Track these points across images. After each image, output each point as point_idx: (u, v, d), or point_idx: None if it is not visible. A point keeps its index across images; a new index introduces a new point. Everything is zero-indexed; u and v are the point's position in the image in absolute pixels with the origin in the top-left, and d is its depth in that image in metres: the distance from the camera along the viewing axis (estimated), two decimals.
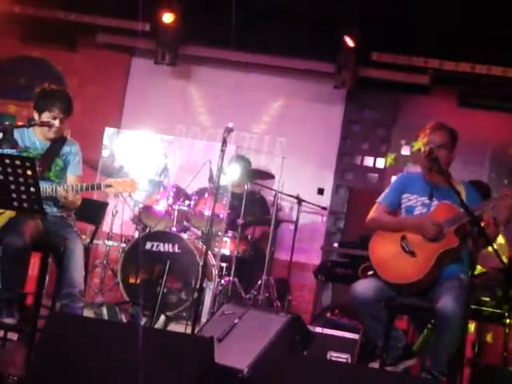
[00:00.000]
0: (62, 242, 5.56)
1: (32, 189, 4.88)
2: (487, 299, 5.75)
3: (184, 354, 4.00)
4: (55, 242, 5.56)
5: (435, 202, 5.22)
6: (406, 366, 5.09)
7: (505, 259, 6.35)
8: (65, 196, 5.46)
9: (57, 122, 5.60)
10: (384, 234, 5.27)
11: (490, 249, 4.81)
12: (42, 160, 5.65)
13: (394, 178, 5.66)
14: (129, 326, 5.50)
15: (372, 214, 5.36)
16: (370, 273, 5.34)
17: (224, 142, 5.54)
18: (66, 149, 5.77)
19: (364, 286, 5.10)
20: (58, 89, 5.77)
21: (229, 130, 5.61)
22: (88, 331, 4.12)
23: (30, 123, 5.53)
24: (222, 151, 5.51)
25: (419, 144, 8.64)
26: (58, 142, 5.75)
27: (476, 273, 6.11)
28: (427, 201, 5.24)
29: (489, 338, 6.80)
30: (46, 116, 5.59)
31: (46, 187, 5.49)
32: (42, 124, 5.56)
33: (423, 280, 5.03)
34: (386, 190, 5.47)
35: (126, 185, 5.57)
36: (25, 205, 4.93)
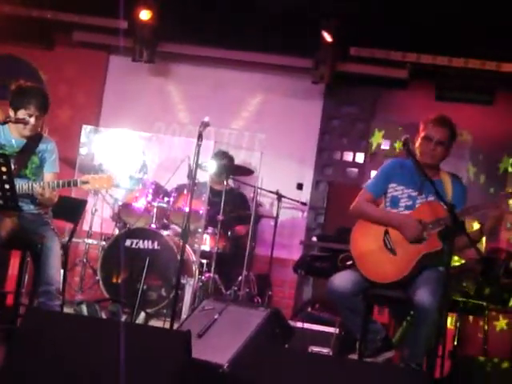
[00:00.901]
0: (39, 239, 5.55)
1: (7, 186, 4.87)
2: (465, 290, 5.78)
3: (161, 348, 4.00)
4: (32, 239, 5.56)
5: (422, 196, 5.16)
6: (385, 358, 5.08)
7: (482, 248, 6.41)
8: (41, 193, 5.44)
9: (32, 120, 5.58)
10: (367, 226, 5.22)
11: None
12: (18, 157, 5.63)
13: (384, 163, 5.57)
14: (106, 322, 5.50)
15: (357, 200, 5.28)
16: (349, 263, 5.31)
17: (200, 137, 5.54)
18: (42, 146, 5.75)
19: (342, 280, 5.07)
20: (33, 86, 5.75)
21: (205, 125, 5.60)
22: (64, 327, 4.11)
23: (5, 120, 5.51)
24: (198, 146, 5.49)
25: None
26: (33, 140, 5.73)
27: (454, 264, 6.15)
28: (414, 193, 5.19)
29: (469, 329, 6.84)
30: (21, 113, 5.57)
31: (22, 184, 5.47)
32: (17, 121, 5.54)
33: (401, 281, 5.02)
34: (374, 177, 5.43)
35: (103, 181, 5.55)
36: (0, 202, 4.91)
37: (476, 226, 6.42)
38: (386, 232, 5.14)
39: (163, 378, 3.92)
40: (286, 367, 4.04)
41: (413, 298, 4.85)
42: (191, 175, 7.72)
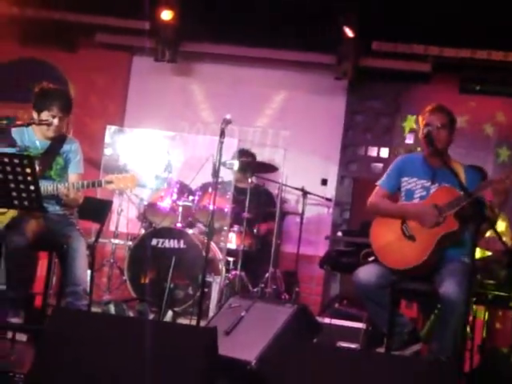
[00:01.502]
0: (64, 240, 5.57)
1: (31, 187, 4.88)
2: (492, 282, 5.74)
3: (187, 346, 4.01)
4: (58, 240, 5.58)
5: (435, 185, 5.19)
6: (413, 351, 5.07)
7: (508, 241, 6.36)
8: (66, 194, 5.47)
9: (56, 121, 5.61)
10: (384, 219, 5.25)
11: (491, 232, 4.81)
12: (43, 159, 5.67)
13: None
14: (131, 320, 5.52)
15: (372, 198, 5.35)
16: (371, 258, 5.32)
17: (222, 134, 5.54)
18: (66, 147, 5.78)
19: (366, 272, 5.08)
20: (56, 88, 5.78)
21: (226, 122, 5.60)
22: (90, 325, 4.13)
23: (28, 122, 5.55)
24: (221, 143, 5.50)
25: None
26: (57, 141, 5.76)
27: (479, 256, 6.11)
28: (427, 184, 5.22)
29: (498, 322, 6.79)
30: (44, 115, 5.60)
31: (47, 186, 5.50)
32: (41, 123, 5.57)
33: (423, 265, 5.02)
34: (386, 173, 5.45)
35: (127, 180, 5.57)
36: (25, 203, 4.93)
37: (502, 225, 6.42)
38: (404, 221, 5.17)
39: (190, 375, 3.93)
40: (313, 363, 4.02)
41: (438, 291, 4.83)
42: (215, 173, 7.79)
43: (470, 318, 6.15)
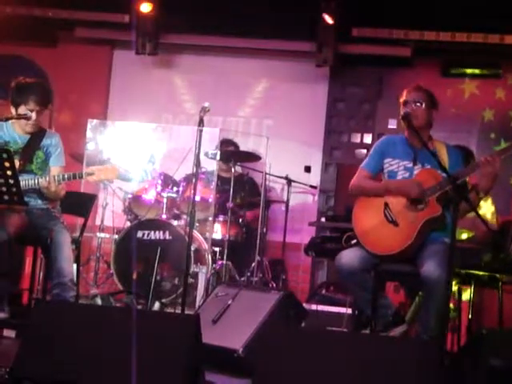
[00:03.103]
0: (48, 234, 5.57)
1: (11, 181, 4.89)
2: (477, 263, 5.76)
3: (171, 332, 4.01)
4: (41, 234, 5.58)
5: (418, 166, 5.20)
6: (397, 332, 5.08)
7: (494, 222, 6.38)
8: (47, 187, 5.46)
9: (34, 115, 5.60)
10: (366, 203, 5.25)
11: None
12: (23, 153, 5.66)
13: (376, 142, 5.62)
14: (114, 309, 5.51)
15: (355, 179, 5.34)
16: (354, 241, 5.33)
17: (201, 122, 5.52)
18: (46, 141, 5.78)
19: (349, 256, 5.08)
20: (32, 81, 5.75)
21: (205, 110, 5.58)
22: (73, 316, 4.13)
23: (6, 117, 5.53)
24: (200, 131, 5.49)
25: None
26: (37, 135, 5.76)
27: (465, 237, 6.14)
28: (409, 165, 5.22)
29: (485, 303, 6.82)
30: (22, 109, 5.60)
31: (28, 179, 5.51)
32: (19, 117, 5.56)
33: (406, 250, 5.02)
34: (368, 155, 5.47)
35: (108, 171, 5.56)
36: (5, 197, 4.94)
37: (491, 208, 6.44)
38: (386, 205, 5.16)
39: (174, 363, 3.93)
40: (299, 347, 4.03)
41: (420, 271, 4.85)
42: (199, 164, 7.79)
43: (456, 299, 6.20)
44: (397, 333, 5.07)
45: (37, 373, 3.99)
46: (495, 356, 4.03)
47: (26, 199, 5.43)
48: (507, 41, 8.32)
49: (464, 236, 6.25)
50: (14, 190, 4.94)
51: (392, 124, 9.21)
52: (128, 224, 7.92)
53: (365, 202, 5.27)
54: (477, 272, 5.80)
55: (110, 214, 8.27)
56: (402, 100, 5.28)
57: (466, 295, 6.27)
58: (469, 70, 9.01)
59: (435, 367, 3.81)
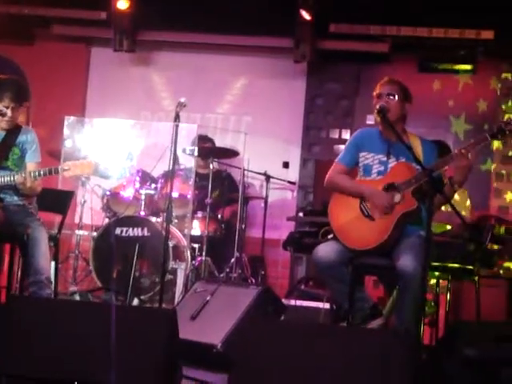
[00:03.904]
0: (24, 230, 5.55)
1: None
2: (453, 256, 5.79)
3: (147, 327, 4.01)
4: (18, 230, 5.55)
5: (392, 159, 5.21)
6: (374, 325, 5.10)
7: (467, 214, 6.43)
8: (23, 182, 5.45)
9: (9, 112, 5.59)
10: (343, 197, 5.25)
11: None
12: None
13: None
14: (90, 304, 5.52)
15: (330, 174, 5.34)
16: (330, 236, 5.34)
17: (177, 117, 5.52)
18: (22, 137, 5.77)
19: (326, 250, 5.08)
20: (6, 78, 5.74)
21: (181, 105, 5.60)
22: (46, 311, 4.13)
23: None
24: (176, 126, 5.49)
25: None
26: (13, 132, 5.74)
27: (441, 230, 6.17)
28: (384, 158, 5.23)
29: (463, 296, 6.86)
30: None
31: (3, 176, 5.50)
32: None
33: (383, 244, 5.03)
34: (344, 148, 5.47)
35: (84, 166, 5.56)
36: None
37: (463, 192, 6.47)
38: (362, 200, 5.17)
39: (150, 357, 3.93)
40: (279, 339, 4.05)
41: (396, 265, 4.86)
42: (177, 160, 7.78)
43: (434, 292, 6.24)
44: (374, 326, 5.08)
45: (14, 369, 3.98)
46: (469, 346, 4.06)
47: (1, 196, 5.43)
48: (483, 36, 8.36)
49: (441, 229, 6.28)
50: None
51: (370, 120, 9.19)
52: (107, 221, 7.91)
53: (341, 196, 5.27)
54: (452, 265, 5.83)
55: (89, 212, 8.25)
56: (375, 93, 5.31)
57: (443, 288, 6.31)
58: (445, 66, 9.04)
59: (410, 359, 3.83)
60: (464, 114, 9.10)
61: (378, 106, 5.13)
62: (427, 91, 9.08)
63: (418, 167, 4.89)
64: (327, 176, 5.35)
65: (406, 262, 4.78)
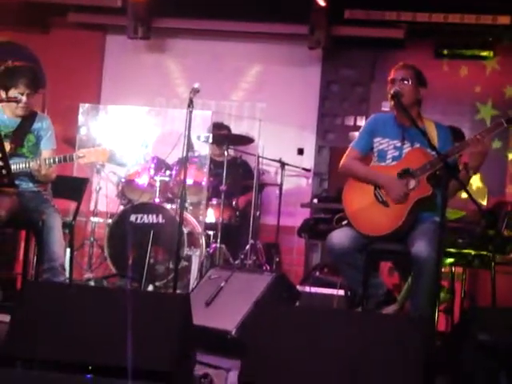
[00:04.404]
0: (39, 216, 5.58)
1: (0, 163, 4.88)
2: (469, 242, 5.76)
3: (160, 311, 4.02)
4: (33, 217, 5.59)
5: (407, 145, 5.19)
6: (388, 311, 5.10)
7: (482, 201, 6.40)
8: (37, 169, 5.49)
9: (24, 98, 5.61)
10: (357, 183, 5.24)
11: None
12: (14, 137, 5.69)
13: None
14: (104, 289, 5.53)
15: (344, 159, 5.33)
16: (345, 222, 5.33)
17: (191, 103, 5.52)
18: (37, 124, 5.79)
19: (340, 236, 5.08)
20: (21, 64, 5.77)
21: (195, 91, 5.59)
22: (62, 296, 4.14)
23: None
24: (190, 112, 5.49)
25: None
26: (28, 118, 5.77)
27: (455, 216, 6.14)
28: (399, 144, 5.21)
29: (479, 283, 6.83)
30: (12, 93, 5.61)
31: (19, 163, 5.54)
32: (9, 100, 5.57)
33: (397, 230, 5.02)
34: (359, 134, 5.46)
35: (99, 153, 5.59)
36: None
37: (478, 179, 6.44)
38: (376, 186, 5.15)
39: (163, 341, 3.94)
40: (294, 324, 4.05)
41: (410, 250, 4.86)
42: (192, 147, 7.80)
43: (449, 279, 6.22)
44: (388, 312, 5.08)
45: (27, 353, 3.99)
46: (484, 332, 4.05)
47: (17, 182, 5.45)
48: (500, 21, 8.30)
49: (457, 215, 6.25)
50: (5, 172, 4.94)
51: (385, 106, 9.12)
52: (121, 208, 7.92)
53: (355, 182, 5.26)
54: (468, 251, 5.81)
55: (104, 199, 8.27)
56: (389, 78, 5.30)
57: (460, 277, 6.29)
58: (462, 52, 8.98)
59: (424, 344, 3.82)
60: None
61: (392, 91, 5.11)
62: (444, 77, 9.03)
63: (433, 153, 4.87)
64: (341, 161, 5.34)
65: (421, 247, 4.77)
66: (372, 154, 5.35)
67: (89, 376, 3.88)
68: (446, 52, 9.04)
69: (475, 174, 5.06)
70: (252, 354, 4.01)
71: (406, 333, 3.87)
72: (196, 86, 5.58)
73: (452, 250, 5.73)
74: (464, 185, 4.78)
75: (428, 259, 4.69)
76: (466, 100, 9.09)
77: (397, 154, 5.21)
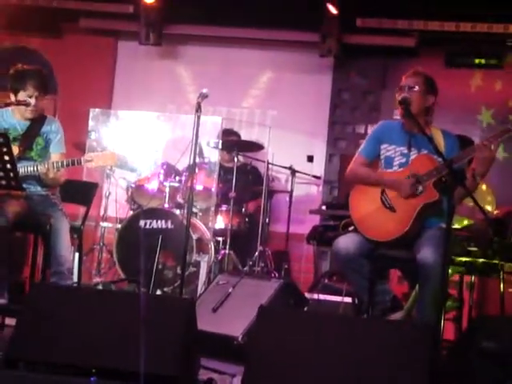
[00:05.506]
0: (47, 220, 5.58)
1: (8, 165, 4.90)
2: (478, 251, 5.73)
3: (164, 315, 4.02)
4: (40, 220, 5.59)
5: (414, 152, 5.18)
6: (394, 318, 5.08)
7: (490, 209, 6.36)
8: (45, 173, 5.49)
9: (33, 101, 5.62)
10: (363, 189, 5.24)
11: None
12: (23, 140, 5.70)
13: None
14: (109, 293, 5.53)
15: (351, 166, 5.33)
16: (351, 228, 5.32)
17: (199, 108, 5.53)
18: (46, 127, 5.80)
19: (346, 241, 5.07)
20: (30, 67, 5.80)
21: (203, 96, 5.61)
22: (68, 300, 4.14)
23: (5, 103, 5.56)
24: (198, 117, 5.50)
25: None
26: (37, 121, 5.78)
27: (463, 225, 6.11)
28: (405, 151, 5.20)
29: (488, 291, 6.81)
30: (21, 95, 5.63)
31: (27, 166, 5.54)
32: (19, 103, 5.59)
33: (404, 236, 5.01)
34: (365, 140, 5.46)
35: (107, 157, 5.60)
36: (2, 182, 4.95)
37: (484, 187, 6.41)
38: (383, 191, 5.15)
39: (166, 345, 3.94)
40: (299, 330, 4.05)
41: (416, 257, 4.84)
42: (202, 154, 7.81)
43: (458, 288, 6.18)
44: (394, 319, 5.06)
45: (32, 355, 3.99)
46: (489, 340, 4.03)
47: (25, 185, 5.46)
48: None
49: (464, 223, 6.23)
50: (12, 175, 4.95)
51: (397, 115, 9.12)
52: (131, 213, 7.93)
53: (361, 188, 5.26)
54: (476, 260, 5.78)
55: (113, 204, 8.29)
56: (399, 85, 5.28)
57: (468, 285, 6.26)
58: (473, 60, 8.97)
59: (429, 350, 3.80)
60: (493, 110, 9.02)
61: (399, 98, 5.11)
62: (455, 85, 9.01)
63: (440, 159, 4.85)
64: (348, 168, 5.35)
65: (427, 254, 4.76)
66: (379, 160, 5.34)
67: (93, 379, 3.88)
68: (457, 61, 9.00)
69: (482, 179, 5.05)
70: (256, 359, 4.00)
71: (411, 339, 3.86)
72: (204, 91, 5.59)
73: (461, 258, 5.70)
74: (470, 191, 4.76)
75: (434, 265, 4.67)
76: (477, 109, 9.05)
77: (404, 160, 5.21)
